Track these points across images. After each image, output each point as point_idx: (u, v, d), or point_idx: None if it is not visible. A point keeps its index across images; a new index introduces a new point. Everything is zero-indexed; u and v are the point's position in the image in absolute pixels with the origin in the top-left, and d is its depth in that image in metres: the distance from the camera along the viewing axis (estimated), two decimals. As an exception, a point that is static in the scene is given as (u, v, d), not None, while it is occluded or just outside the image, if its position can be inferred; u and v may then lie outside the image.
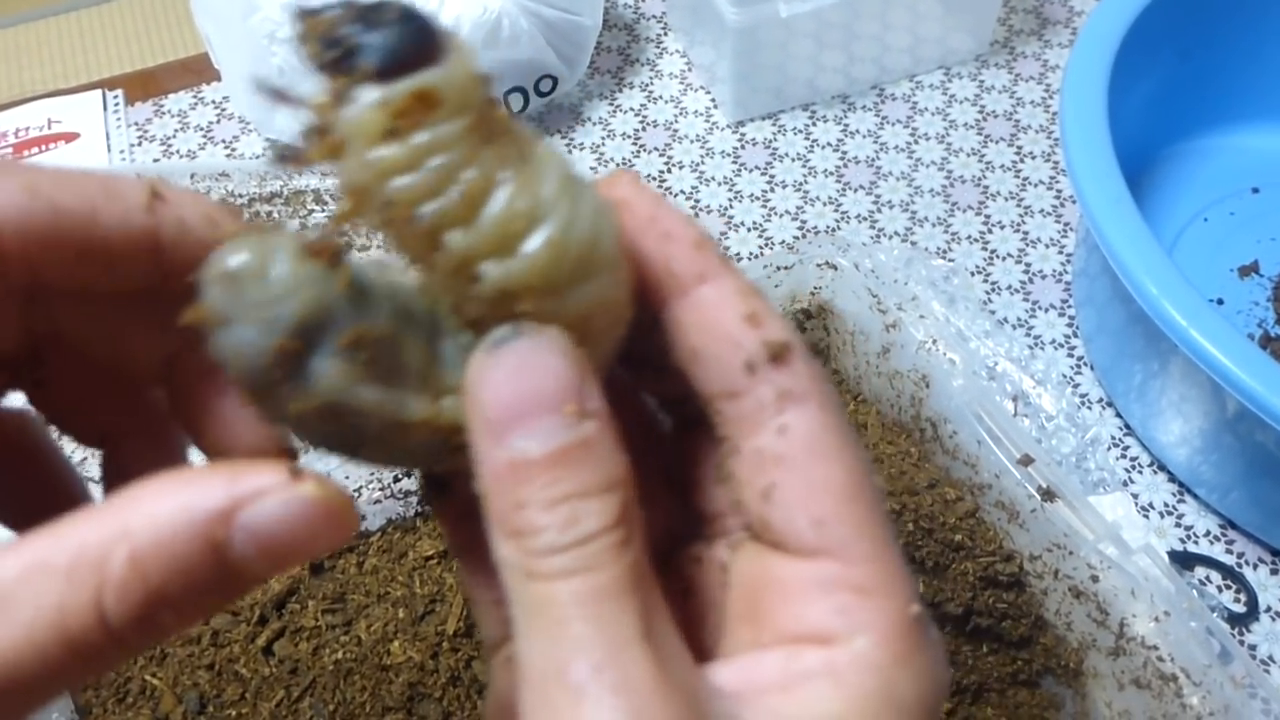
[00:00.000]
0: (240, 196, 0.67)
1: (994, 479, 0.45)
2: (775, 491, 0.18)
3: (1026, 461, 0.44)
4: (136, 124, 0.81)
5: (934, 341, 0.47)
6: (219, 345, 0.17)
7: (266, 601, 0.44)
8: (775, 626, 0.18)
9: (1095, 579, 0.42)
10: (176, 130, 0.80)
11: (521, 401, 0.17)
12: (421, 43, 0.16)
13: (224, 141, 0.79)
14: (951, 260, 0.72)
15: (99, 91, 0.82)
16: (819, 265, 0.50)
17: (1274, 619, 0.57)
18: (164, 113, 0.81)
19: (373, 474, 0.46)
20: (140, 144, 0.79)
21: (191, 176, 0.66)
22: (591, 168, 0.77)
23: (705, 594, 0.21)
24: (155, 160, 0.78)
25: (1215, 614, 0.43)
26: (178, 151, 0.79)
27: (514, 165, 0.17)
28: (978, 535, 0.46)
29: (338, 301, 0.17)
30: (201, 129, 0.80)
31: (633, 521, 0.17)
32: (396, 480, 0.47)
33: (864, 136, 0.80)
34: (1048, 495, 0.43)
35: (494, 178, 0.16)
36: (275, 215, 0.67)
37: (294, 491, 0.17)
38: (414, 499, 0.48)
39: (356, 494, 0.46)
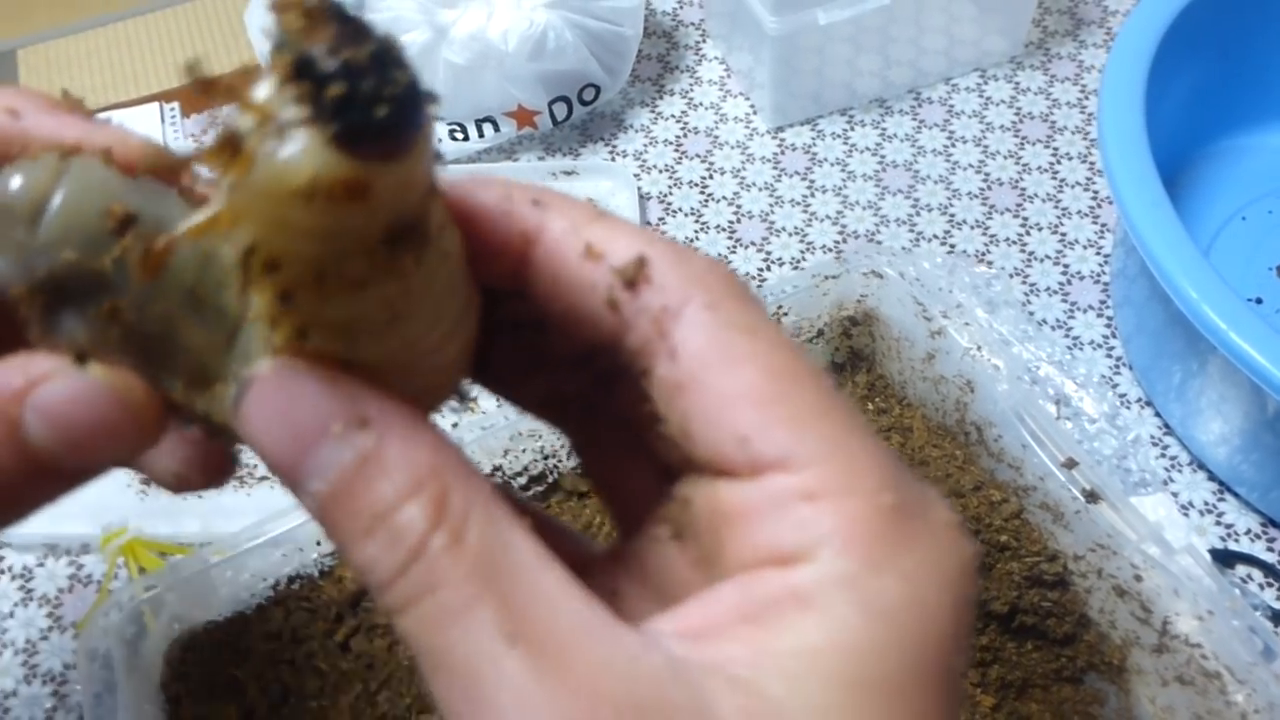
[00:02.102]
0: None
1: (1038, 481, 0.47)
2: (689, 422, 0.16)
3: (1070, 464, 0.45)
4: (193, 135, 0.83)
5: (978, 348, 0.49)
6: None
7: (342, 601, 0.46)
8: (730, 559, 0.16)
9: (1139, 578, 0.44)
10: (232, 142, 0.83)
11: (290, 442, 0.16)
12: (407, 127, 0.13)
13: (278, 152, 0.82)
14: (990, 262, 0.73)
15: (155, 104, 0.84)
16: (864, 274, 0.52)
17: (1314, 615, 0.58)
18: (220, 124, 0.84)
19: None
20: (198, 156, 0.82)
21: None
22: (635, 174, 0.79)
23: (695, 541, 0.18)
24: (213, 172, 0.80)
25: (1258, 612, 0.44)
26: (234, 163, 0.81)
27: (394, 270, 0.15)
28: (1023, 536, 0.47)
29: (112, 269, 0.16)
30: (256, 140, 0.83)
31: (462, 509, 0.15)
32: (462, 484, 0.49)
33: (901, 140, 0.82)
34: (1091, 497, 0.44)
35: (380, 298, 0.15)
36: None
37: (81, 374, 0.17)
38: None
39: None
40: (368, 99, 0.13)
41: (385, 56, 0.13)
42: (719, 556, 0.16)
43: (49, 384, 0.17)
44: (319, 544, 0.47)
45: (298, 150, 0.13)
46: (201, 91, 0.14)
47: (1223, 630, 0.41)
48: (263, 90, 0.13)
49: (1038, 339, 0.49)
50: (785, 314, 0.52)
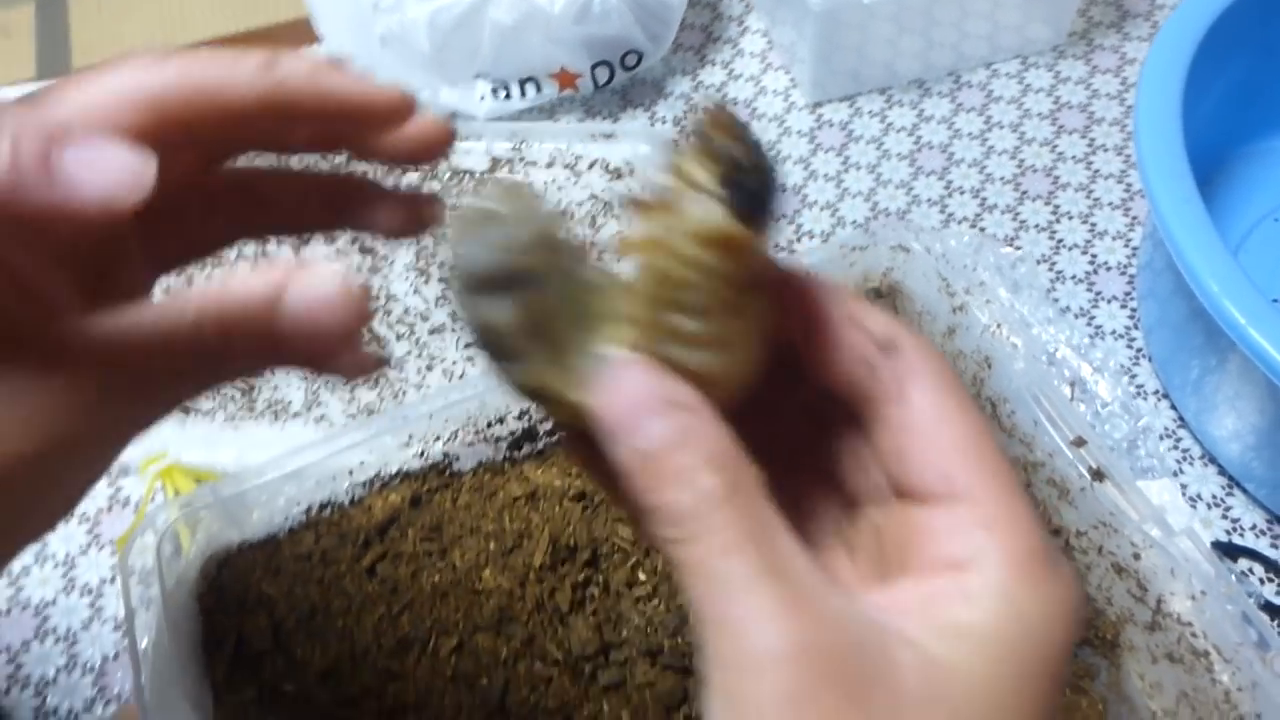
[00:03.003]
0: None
1: (1047, 458, 0.48)
2: (907, 455, 0.22)
3: (1079, 443, 0.46)
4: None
5: (998, 326, 0.50)
6: (456, 249, 0.23)
7: (370, 528, 0.48)
8: (917, 563, 0.21)
9: (1137, 557, 0.45)
10: (281, 87, 0.85)
11: (628, 411, 0.21)
12: (767, 214, 0.21)
13: (325, 100, 0.84)
14: (1019, 248, 0.74)
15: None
16: (891, 248, 0.53)
17: (1311, 611, 0.59)
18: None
19: (469, 418, 0.50)
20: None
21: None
22: (675, 140, 0.80)
23: (866, 556, 0.24)
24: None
25: (1252, 599, 0.45)
26: (282, 108, 0.83)
27: (734, 307, 0.22)
28: (1028, 509, 0.49)
29: (539, 267, 0.22)
30: (305, 87, 0.85)
31: (740, 484, 0.20)
32: (489, 426, 0.51)
33: (939, 122, 0.82)
34: (1097, 475, 0.46)
35: (730, 327, 0.22)
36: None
37: (334, 273, 0.22)
38: (503, 444, 0.52)
39: (453, 436, 0.50)
40: (754, 189, 0.20)
41: (764, 163, 0.21)
42: (900, 563, 0.22)
43: (314, 277, 0.22)
44: (350, 474, 0.49)
45: (709, 210, 0.20)
46: (636, 205, 0.22)
47: (1214, 611, 0.42)
48: (693, 166, 0.21)
49: (1058, 322, 0.50)
50: (811, 282, 0.53)
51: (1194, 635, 0.43)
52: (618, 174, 0.78)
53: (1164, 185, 0.61)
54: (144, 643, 0.42)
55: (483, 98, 0.78)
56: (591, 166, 0.78)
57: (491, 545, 0.47)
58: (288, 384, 0.68)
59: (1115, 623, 0.48)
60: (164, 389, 0.23)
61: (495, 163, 0.78)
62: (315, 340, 0.22)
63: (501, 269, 0.22)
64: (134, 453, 0.62)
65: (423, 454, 0.50)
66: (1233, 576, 0.43)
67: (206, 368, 0.23)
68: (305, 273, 0.21)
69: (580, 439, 0.23)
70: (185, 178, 0.25)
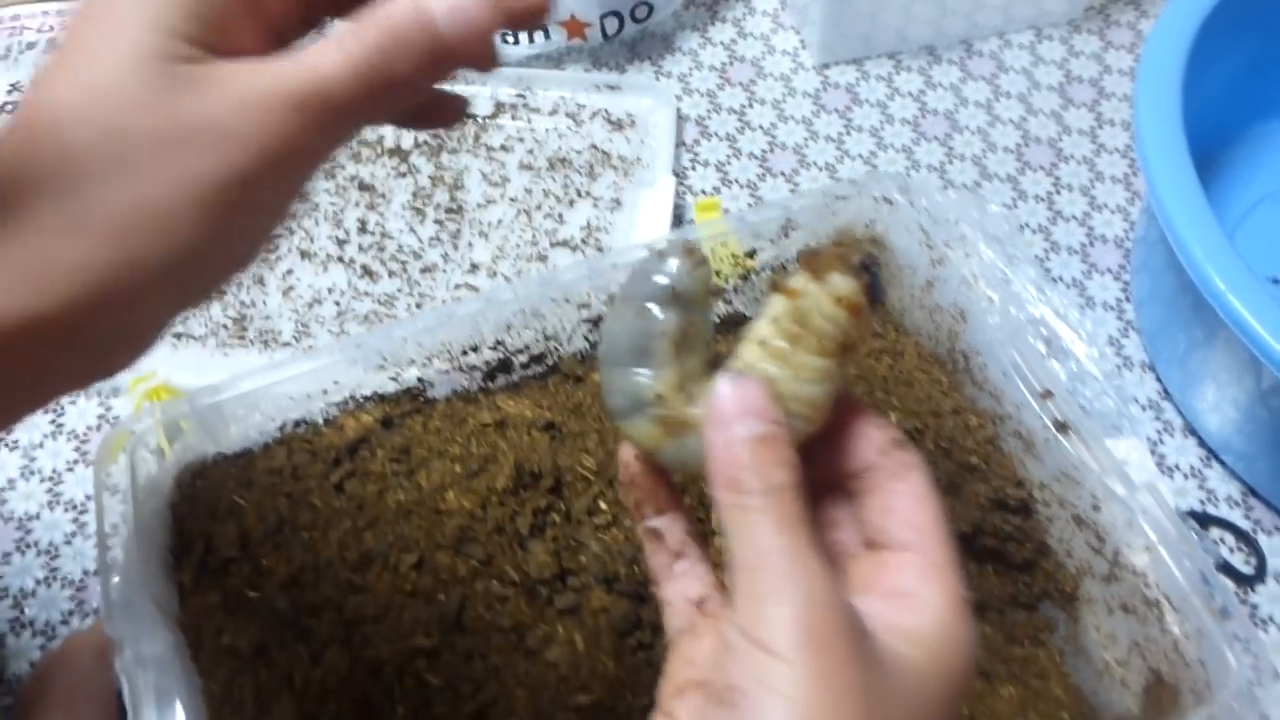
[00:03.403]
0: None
1: (1015, 410, 0.48)
2: (891, 513, 0.29)
3: (1046, 395, 0.47)
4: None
5: (975, 278, 0.50)
6: (654, 268, 0.30)
7: (341, 446, 0.49)
8: (878, 589, 0.28)
9: (1096, 509, 0.45)
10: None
11: (741, 407, 0.27)
12: (877, 296, 0.30)
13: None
14: (1015, 214, 0.74)
15: None
16: (875, 199, 0.53)
17: (1281, 584, 0.59)
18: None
19: (443, 344, 0.51)
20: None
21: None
22: (677, 95, 0.80)
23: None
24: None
25: (1212, 560, 0.45)
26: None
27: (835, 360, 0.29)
28: (993, 461, 0.49)
29: (701, 303, 0.30)
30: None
31: (800, 486, 0.27)
32: (465, 354, 0.52)
33: (945, 89, 0.82)
34: (1061, 428, 0.46)
35: (824, 364, 0.29)
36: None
37: None
38: (479, 374, 0.53)
39: (428, 362, 0.51)
40: (872, 282, 0.28)
41: (873, 267, 0.34)
42: (865, 588, 0.28)
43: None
44: (325, 393, 0.50)
45: (850, 282, 0.28)
46: (808, 267, 0.29)
47: (1167, 562, 0.42)
48: (830, 260, 0.29)
49: (1037, 281, 0.50)
50: (794, 229, 0.53)
51: (1147, 586, 0.43)
52: (618, 125, 0.78)
53: (1160, 158, 0.61)
54: (115, 546, 0.43)
55: (488, 43, 0.79)
56: (594, 117, 0.79)
57: (457, 468, 0.47)
58: (279, 314, 0.69)
59: (1075, 575, 0.48)
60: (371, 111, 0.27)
61: (499, 107, 0.79)
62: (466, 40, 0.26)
63: (685, 287, 0.29)
64: (124, 373, 0.63)
65: (396, 378, 0.51)
66: (1194, 535, 0.43)
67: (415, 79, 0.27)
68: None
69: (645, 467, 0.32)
70: None
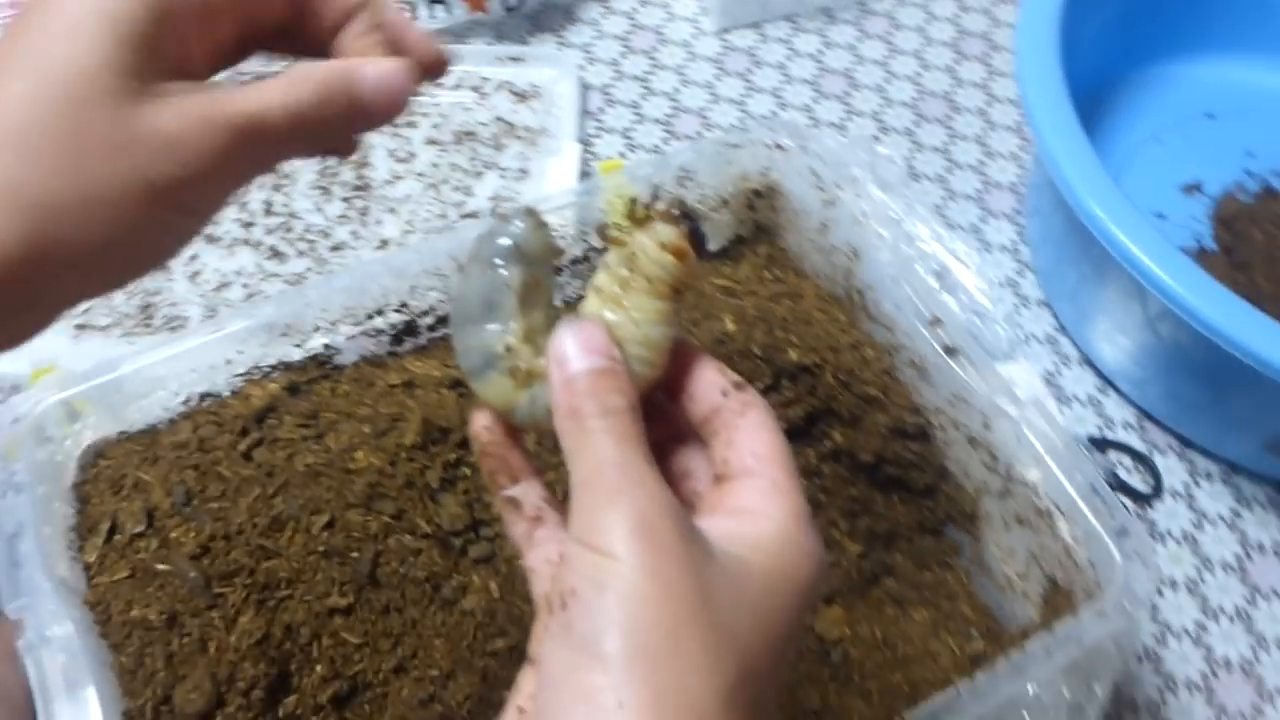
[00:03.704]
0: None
1: (907, 339, 0.50)
2: (734, 445, 0.31)
3: (936, 322, 0.48)
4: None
5: (866, 217, 0.51)
6: (497, 226, 0.32)
7: (248, 416, 0.49)
8: (723, 510, 0.29)
9: (988, 427, 0.47)
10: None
11: (579, 346, 0.29)
12: (701, 242, 0.31)
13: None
14: (913, 166, 0.76)
15: None
16: (767, 146, 0.54)
17: (1175, 499, 0.62)
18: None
19: (347, 310, 0.51)
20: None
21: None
22: (580, 65, 0.81)
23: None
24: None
25: (1101, 472, 0.47)
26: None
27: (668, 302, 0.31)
28: (890, 390, 0.50)
29: (547, 259, 0.32)
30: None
31: (636, 411, 0.29)
32: (369, 318, 0.52)
33: (842, 49, 0.84)
34: (951, 352, 0.47)
35: (657, 306, 0.31)
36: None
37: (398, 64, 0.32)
38: (385, 338, 0.53)
39: (332, 327, 0.51)
40: (692, 228, 0.30)
41: (694, 215, 0.31)
42: (711, 509, 0.30)
43: (382, 65, 0.32)
44: (228, 363, 0.50)
45: (672, 230, 0.30)
46: (632, 221, 0.31)
47: (1055, 471, 0.44)
48: (658, 214, 0.31)
49: (928, 220, 0.52)
50: (690, 178, 0.54)
51: (1038, 497, 0.45)
52: (523, 97, 0.78)
53: (1042, 104, 0.63)
54: (17, 536, 0.43)
55: (386, 19, 0.78)
56: (498, 89, 0.79)
57: (366, 429, 0.47)
58: (186, 300, 0.68)
59: (973, 495, 0.50)
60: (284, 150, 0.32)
61: (400, 85, 0.79)
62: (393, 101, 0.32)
63: (527, 244, 0.31)
64: (23, 366, 0.62)
65: (302, 345, 0.50)
66: (1081, 448, 0.45)
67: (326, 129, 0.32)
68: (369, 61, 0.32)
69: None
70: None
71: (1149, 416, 0.65)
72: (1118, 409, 0.65)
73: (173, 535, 0.45)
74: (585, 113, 0.79)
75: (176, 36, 0.30)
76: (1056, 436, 0.44)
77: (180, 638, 0.42)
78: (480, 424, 0.33)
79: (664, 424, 0.33)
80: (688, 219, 0.31)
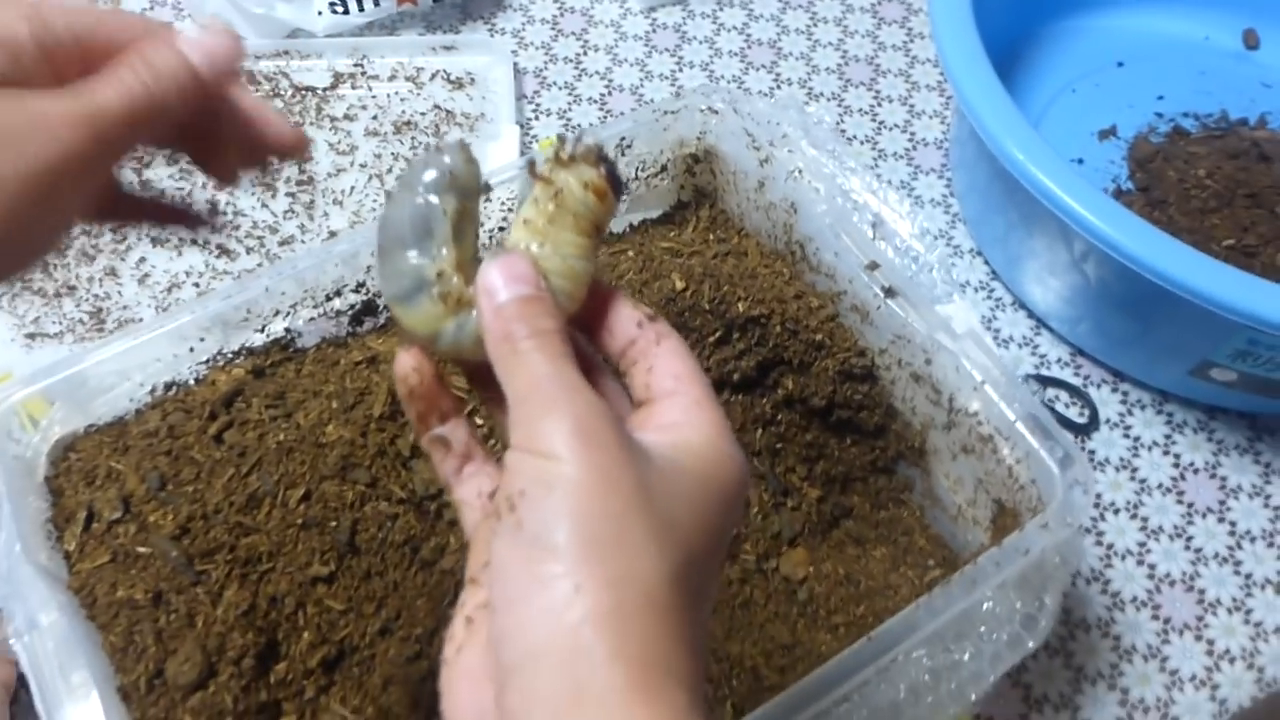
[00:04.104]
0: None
1: (848, 285, 0.52)
2: (653, 370, 0.32)
3: (873, 266, 0.51)
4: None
5: (801, 173, 0.54)
6: (429, 157, 0.33)
7: (215, 400, 0.49)
8: (649, 426, 0.31)
9: (929, 362, 0.50)
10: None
11: (507, 275, 0.30)
12: (619, 184, 0.33)
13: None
14: (843, 129, 0.79)
15: None
16: (702, 111, 0.56)
17: (1111, 429, 0.65)
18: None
19: (306, 292, 0.52)
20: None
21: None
22: (513, 50, 0.82)
23: None
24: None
25: (1036, 396, 0.50)
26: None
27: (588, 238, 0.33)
28: (836, 336, 0.53)
29: (472, 193, 0.33)
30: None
31: (565, 333, 0.30)
32: (328, 299, 0.53)
33: (767, 20, 0.86)
34: (889, 293, 0.50)
35: (579, 241, 0.33)
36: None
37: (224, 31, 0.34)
38: (345, 319, 0.54)
39: (292, 310, 0.52)
40: (611, 171, 0.32)
41: (612, 160, 0.33)
42: (639, 428, 0.31)
43: (209, 38, 0.33)
44: (191, 351, 0.51)
45: (592, 171, 0.32)
46: (557, 161, 0.32)
47: (993, 397, 0.47)
48: (581, 157, 0.32)
49: (860, 173, 0.54)
50: (629, 145, 0.56)
51: (980, 423, 0.48)
52: (459, 84, 0.79)
53: (959, 57, 0.66)
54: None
55: (320, 12, 0.79)
56: (434, 78, 0.80)
57: (334, 404, 0.49)
58: (137, 302, 0.68)
59: (921, 430, 0.53)
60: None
61: (338, 78, 0.79)
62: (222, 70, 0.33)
63: (460, 175, 0.32)
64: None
65: (264, 329, 0.51)
66: (1018, 376, 0.48)
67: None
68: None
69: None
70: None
71: (1082, 352, 0.68)
72: (1052, 347, 0.69)
73: (150, 519, 0.46)
74: (521, 96, 0.80)
75: (22, 60, 0.31)
76: (994, 365, 0.47)
77: (167, 614, 0.43)
78: (408, 365, 0.34)
79: (580, 359, 0.34)
80: (606, 162, 0.32)
